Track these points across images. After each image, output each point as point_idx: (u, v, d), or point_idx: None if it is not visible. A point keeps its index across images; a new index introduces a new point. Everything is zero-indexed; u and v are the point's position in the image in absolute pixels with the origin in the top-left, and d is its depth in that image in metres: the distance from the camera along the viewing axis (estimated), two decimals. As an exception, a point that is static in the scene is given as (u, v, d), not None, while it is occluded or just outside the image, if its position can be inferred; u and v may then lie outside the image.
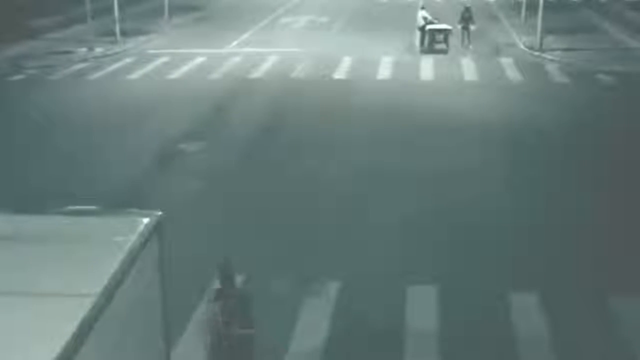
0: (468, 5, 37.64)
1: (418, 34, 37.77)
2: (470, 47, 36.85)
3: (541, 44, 36.69)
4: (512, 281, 14.85)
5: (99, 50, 38.61)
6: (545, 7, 36.46)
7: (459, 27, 37.49)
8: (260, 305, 14.06)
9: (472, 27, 37.54)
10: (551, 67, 33.77)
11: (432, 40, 37.36)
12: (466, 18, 37.44)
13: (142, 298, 9.64)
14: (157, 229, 10.08)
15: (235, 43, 41.10)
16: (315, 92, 29.80)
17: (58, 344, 7.24)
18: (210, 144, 23.42)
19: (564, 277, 15.04)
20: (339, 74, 32.98)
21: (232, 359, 10.71)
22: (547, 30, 38.27)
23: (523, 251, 16.15)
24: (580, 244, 16.46)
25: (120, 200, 18.62)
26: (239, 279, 11.88)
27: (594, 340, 13.06)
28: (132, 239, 9.42)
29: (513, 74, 32.54)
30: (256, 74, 33.27)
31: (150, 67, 35.11)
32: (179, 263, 14.87)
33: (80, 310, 7.79)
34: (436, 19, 38.10)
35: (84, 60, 36.81)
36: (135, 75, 33.36)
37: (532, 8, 42.07)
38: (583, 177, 20.38)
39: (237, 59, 36.59)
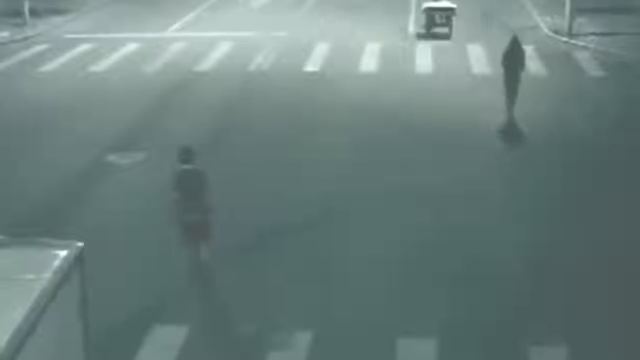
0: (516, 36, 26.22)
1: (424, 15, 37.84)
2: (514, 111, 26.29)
3: (570, 28, 37.15)
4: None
5: (2, 34, 38.61)
6: (575, -20, 36.99)
7: (502, 71, 26.01)
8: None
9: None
10: (583, 57, 34.21)
11: (431, 23, 37.66)
12: (513, 59, 25.58)
13: (59, 348, 9.73)
14: (77, 263, 10.19)
15: (177, 25, 41.26)
16: (280, 90, 29.99)
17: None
18: (148, 156, 23.52)
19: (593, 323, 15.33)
20: (312, 66, 33.24)
21: (193, 238, 16.44)
22: (578, 10, 38.74)
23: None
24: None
25: (26, 231, 18.70)
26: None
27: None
28: (47, 276, 9.52)
29: (535, 65, 32.92)
30: (204, 65, 33.44)
31: (68, 56, 35.16)
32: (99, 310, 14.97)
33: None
34: None
35: (-17, 47, 36.90)
36: (49, 67, 33.41)
37: (558, -19, 42.60)
38: (623, 201, 20.72)
39: (180, 45, 36.74)
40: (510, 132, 25.25)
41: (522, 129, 25.34)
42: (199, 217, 16.32)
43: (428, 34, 37.64)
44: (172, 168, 16.63)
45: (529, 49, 35.22)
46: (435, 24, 37.60)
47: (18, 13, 40.70)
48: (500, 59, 26.26)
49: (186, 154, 16.29)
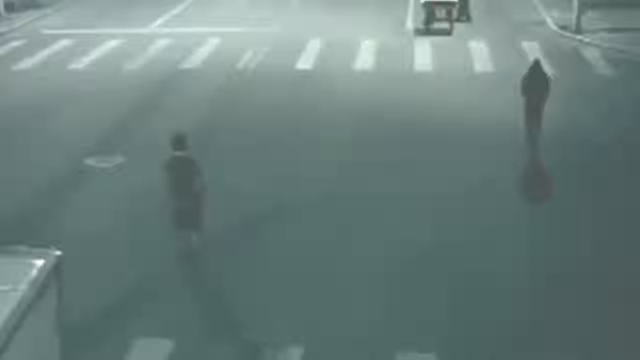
0: (539, 60, 24.28)
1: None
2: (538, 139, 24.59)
3: (578, 23, 37.12)
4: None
5: (-26, 30, 38.66)
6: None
7: (523, 103, 24.51)
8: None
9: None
10: (592, 55, 34.24)
11: (431, 17, 37.63)
12: (535, 87, 23.88)
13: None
14: (55, 273, 10.16)
15: (161, 20, 41.25)
16: (270, 89, 30.00)
17: None
18: (129, 160, 23.49)
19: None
20: (304, 63, 33.25)
21: (183, 223, 17.34)
22: (587, 4, 38.71)
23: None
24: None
25: (1, 239, 18.66)
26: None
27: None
28: (22, 287, 9.50)
29: (540, 63, 32.98)
30: (190, 63, 33.43)
31: (46, 53, 35.14)
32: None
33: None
34: None
35: (-46, 43, 36.89)
36: (25, 65, 33.39)
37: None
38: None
39: (164, 42, 36.73)
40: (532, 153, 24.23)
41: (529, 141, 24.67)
42: (188, 204, 17.20)
43: (427, 30, 37.63)
44: (166, 154, 17.68)
45: (533, 46, 35.27)
46: (435, 19, 37.55)
47: (-8, 7, 40.74)
48: (519, 86, 24.36)
49: (179, 141, 17.14)
